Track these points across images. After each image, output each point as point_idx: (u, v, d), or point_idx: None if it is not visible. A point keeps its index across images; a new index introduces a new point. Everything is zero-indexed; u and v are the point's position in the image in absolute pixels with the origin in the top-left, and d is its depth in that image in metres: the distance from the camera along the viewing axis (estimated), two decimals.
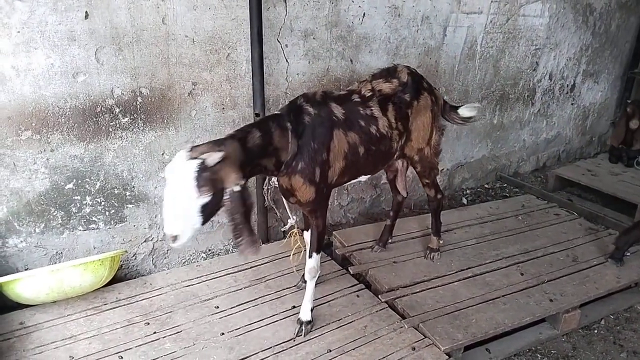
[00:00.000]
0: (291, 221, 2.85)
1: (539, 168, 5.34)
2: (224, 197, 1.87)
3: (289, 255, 3.18)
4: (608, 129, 5.87)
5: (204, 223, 1.89)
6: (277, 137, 2.18)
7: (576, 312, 2.91)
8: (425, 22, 3.78)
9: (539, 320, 2.87)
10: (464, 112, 3.01)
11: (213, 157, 1.82)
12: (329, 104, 2.41)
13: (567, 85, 5.18)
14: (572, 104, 5.34)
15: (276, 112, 2.33)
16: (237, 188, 1.86)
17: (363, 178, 2.74)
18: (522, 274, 3.14)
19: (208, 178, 1.80)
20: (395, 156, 2.78)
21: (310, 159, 2.27)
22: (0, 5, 2.35)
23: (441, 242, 3.29)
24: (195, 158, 1.81)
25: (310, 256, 2.53)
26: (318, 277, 2.60)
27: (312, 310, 2.58)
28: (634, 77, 5.67)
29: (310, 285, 2.55)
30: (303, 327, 2.53)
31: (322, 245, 2.56)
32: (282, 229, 3.38)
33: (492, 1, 4.09)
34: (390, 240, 3.34)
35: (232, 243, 3.45)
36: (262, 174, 2.37)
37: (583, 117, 5.55)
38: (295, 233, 2.97)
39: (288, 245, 3.29)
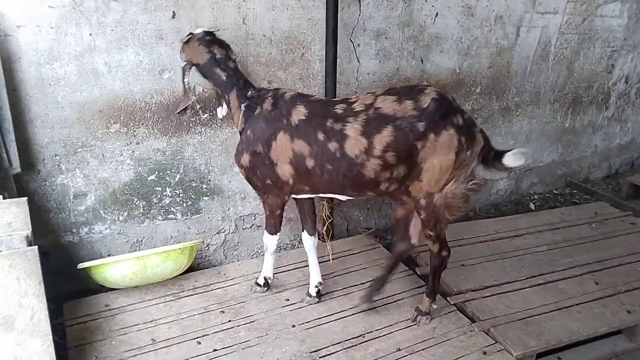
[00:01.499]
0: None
1: (610, 175, 5.12)
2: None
3: (355, 254, 3.24)
4: None
5: None
6: (230, 98, 2.50)
7: None
8: (498, 22, 3.71)
9: (614, 332, 2.76)
10: (510, 160, 2.29)
11: (184, 38, 2.51)
12: (293, 106, 2.35)
13: None
14: None
15: (253, 89, 2.51)
16: (182, 65, 2.51)
17: (341, 197, 2.52)
18: (596, 283, 3.03)
19: (182, 46, 2.53)
20: (385, 188, 2.34)
21: (244, 142, 2.46)
22: (98, 5, 2.50)
23: (434, 306, 2.65)
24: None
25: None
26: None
27: (266, 278, 2.84)
28: None
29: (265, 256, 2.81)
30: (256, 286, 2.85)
31: (269, 227, 2.65)
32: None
33: (568, 1, 3.96)
34: None
35: (297, 238, 3.52)
36: (226, 105, 2.56)
37: None
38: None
39: (353, 244, 3.34)
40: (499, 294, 2.88)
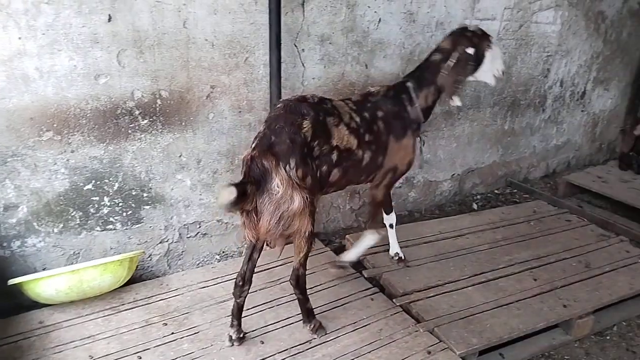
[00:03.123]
0: None
1: (548, 174, 5.35)
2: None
3: None
4: (617, 136, 5.87)
5: None
6: None
7: (589, 318, 2.91)
8: (439, 28, 3.80)
9: (552, 326, 2.88)
10: None
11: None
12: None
13: (578, 92, 5.20)
14: (582, 110, 5.35)
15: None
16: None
17: None
18: (535, 280, 3.15)
19: None
20: None
21: None
22: (27, 7, 2.38)
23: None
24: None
25: None
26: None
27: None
28: None
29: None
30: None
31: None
32: None
33: (505, 8, 4.11)
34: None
35: None
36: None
37: (593, 124, 5.56)
38: None
39: None
40: (443, 293, 2.94)
